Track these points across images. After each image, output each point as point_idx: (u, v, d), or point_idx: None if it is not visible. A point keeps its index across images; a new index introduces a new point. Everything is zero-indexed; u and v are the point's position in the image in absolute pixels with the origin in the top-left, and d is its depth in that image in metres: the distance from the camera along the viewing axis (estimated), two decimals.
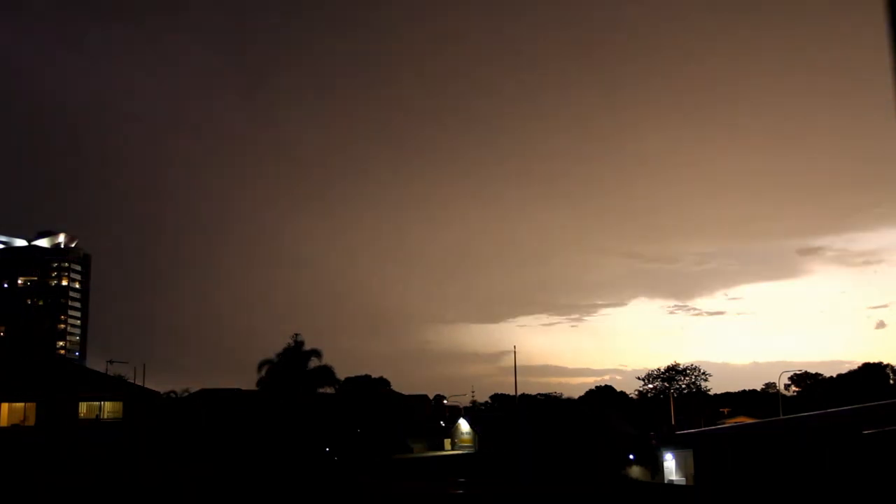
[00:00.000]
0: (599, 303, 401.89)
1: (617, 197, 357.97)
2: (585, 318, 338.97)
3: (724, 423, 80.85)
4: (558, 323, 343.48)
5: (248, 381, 74.95)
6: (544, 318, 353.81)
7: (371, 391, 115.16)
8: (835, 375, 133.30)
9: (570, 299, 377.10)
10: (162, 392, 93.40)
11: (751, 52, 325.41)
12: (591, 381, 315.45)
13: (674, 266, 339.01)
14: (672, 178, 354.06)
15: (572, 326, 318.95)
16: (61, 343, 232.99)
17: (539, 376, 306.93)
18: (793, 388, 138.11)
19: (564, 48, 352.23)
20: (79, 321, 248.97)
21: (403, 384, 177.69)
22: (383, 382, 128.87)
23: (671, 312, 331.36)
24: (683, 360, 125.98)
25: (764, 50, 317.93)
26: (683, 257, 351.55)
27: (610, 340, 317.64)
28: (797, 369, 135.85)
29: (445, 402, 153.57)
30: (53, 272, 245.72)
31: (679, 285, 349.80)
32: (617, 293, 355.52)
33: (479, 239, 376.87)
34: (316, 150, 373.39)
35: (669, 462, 60.69)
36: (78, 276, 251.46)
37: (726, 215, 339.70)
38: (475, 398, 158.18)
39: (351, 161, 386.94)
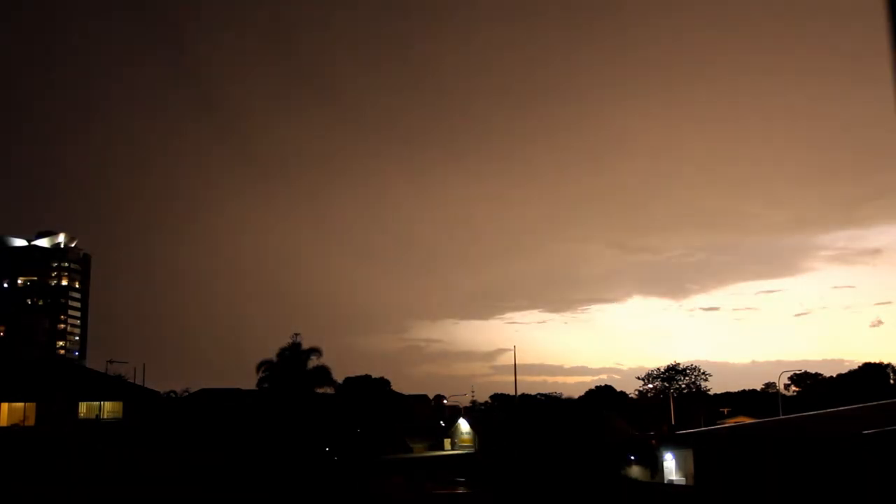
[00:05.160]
0: (593, 298, 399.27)
1: (614, 191, 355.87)
2: (579, 314, 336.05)
3: (724, 423, 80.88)
4: (551, 320, 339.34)
5: (248, 381, 75.05)
6: (536, 315, 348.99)
7: (371, 391, 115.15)
8: (835, 375, 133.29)
9: (562, 295, 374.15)
10: (162, 392, 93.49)
11: (746, 39, 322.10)
12: (588, 380, 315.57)
13: (669, 262, 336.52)
14: (669, 172, 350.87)
15: (565, 323, 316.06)
16: (61, 343, 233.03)
17: (534, 375, 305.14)
18: (793, 387, 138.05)
19: (551, 26, 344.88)
20: (79, 321, 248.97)
21: (403, 384, 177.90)
22: (383, 382, 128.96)
23: (667, 310, 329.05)
24: (681, 359, 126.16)
25: (760, 37, 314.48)
26: (680, 253, 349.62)
27: (605, 338, 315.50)
28: (797, 369, 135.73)
29: (445, 402, 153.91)
30: (53, 272, 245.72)
31: (675, 282, 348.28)
32: (612, 289, 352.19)
33: (459, 234, 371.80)
34: (313, 155, 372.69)
35: (669, 462, 60.60)
36: (78, 276, 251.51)
37: (725, 211, 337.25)
38: (475, 398, 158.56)
39: (343, 163, 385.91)
